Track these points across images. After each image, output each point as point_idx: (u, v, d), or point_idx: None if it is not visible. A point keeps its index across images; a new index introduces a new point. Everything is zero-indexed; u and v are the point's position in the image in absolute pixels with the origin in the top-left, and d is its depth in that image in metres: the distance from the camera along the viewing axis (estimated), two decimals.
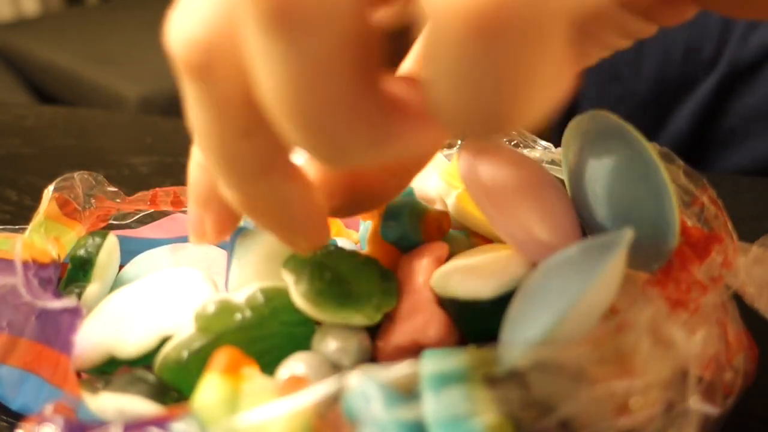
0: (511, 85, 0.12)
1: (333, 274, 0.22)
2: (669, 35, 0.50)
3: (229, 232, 0.22)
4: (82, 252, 0.26)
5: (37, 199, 0.26)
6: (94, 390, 0.20)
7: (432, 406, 0.17)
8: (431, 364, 0.17)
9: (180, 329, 0.22)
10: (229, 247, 0.25)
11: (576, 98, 0.54)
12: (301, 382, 0.19)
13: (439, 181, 0.26)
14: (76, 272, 0.26)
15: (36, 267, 0.24)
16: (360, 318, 0.22)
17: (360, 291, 0.22)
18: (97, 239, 0.26)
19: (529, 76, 0.12)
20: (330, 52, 0.13)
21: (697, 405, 0.18)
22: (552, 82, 0.13)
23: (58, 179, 0.27)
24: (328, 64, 0.13)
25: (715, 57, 0.48)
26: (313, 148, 0.15)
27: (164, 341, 0.22)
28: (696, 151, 0.52)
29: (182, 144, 0.49)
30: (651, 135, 0.52)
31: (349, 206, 0.22)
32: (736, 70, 0.48)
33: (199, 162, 0.20)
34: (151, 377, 0.20)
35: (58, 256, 0.26)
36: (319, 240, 0.20)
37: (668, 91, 0.51)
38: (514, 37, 0.11)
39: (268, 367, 0.21)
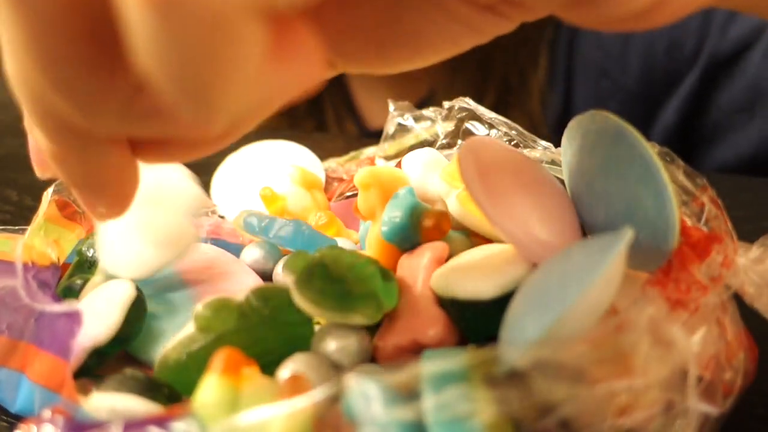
0: (203, 64, 0.13)
1: (333, 274, 0.22)
2: (651, 30, 0.50)
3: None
4: (89, 247, 0.26)
5: (38, 199, 0.26)
6: (86, 392, 0.20)
7: (432, 406, 0.17)
8: (431, 364, 0.17)
9: (98, 337, 0.22)
10: None
11: (568, 95, 0.54)
12: (301, 382, 0.19)
13: (439, 181, 0.26)
14: (82, 265, 0.26)
15: (35, 269, 0.24)
16: (360, 318, 0.22)
17: (360, 291, 0.22)
18: None
19: (220, 57, 0.13)
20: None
21: (697, 405, 0.18)
22: (257, 68, 0.13)
23: (58, 181, 0.27)
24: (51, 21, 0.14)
25: (696, 51, 0.49)
26: (60, 101, 0.15)
27: (94, 353, 0.22)
28: (684, 146, 0.52)
29: None
30: (643, 130, 0.52)
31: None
32: (716, 62, 0.48)
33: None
34: (141, 375, 0.20)
35: (58, 258, 0.26)
36: (119, 210, 0.19)
37: (654, 86, 0.51)
38: (190, 17, 0.12)
39: (268, 367, 0.21)
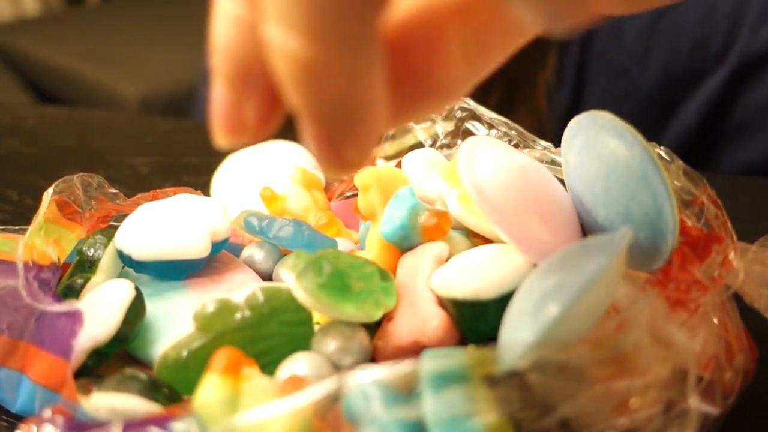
0: None
1: (333, 269, 0.22)
2: (676, 29, 0.50)
3: (275, 125, 0.15)
4: (89, 247, 0.26)
5: (38, 199, 0.26)
6: (86, 391, 0.20)
7: (432, 406, 0.17)
8: (431, 364, 0.17)
9: (98, 337, 0.22)
10: None
11: (577, 93, 0.54)
12: (301, 382, 0.19)
13: (439, 181, 0.26)
14: (82, 264, 0.26)
15: (36, 269, 0.24)
16: (360, 314, 0.22)
17: (360, 288, 0.22)
18: (105, 237, 0.26)
19: None
20: None
21: (697, 405, 0.18)
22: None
23: (58, 181, 0.27)
24: None
25: (723, 51, 0.48)
26: None
27: (94, 353, 0.22)
28: (704, 146, 0.52)
29: (182, 144, 0.49)
30: (657, 130, 0.52)
31: (414, 98, 0.16)
32: (747, 63, 0.48)
33: (234, 15, 0.14)
34: (142, 375, 0.20)
35: (58, 258, 0.26)
36: (366, 154, 0.15)
37: (675, 85, 0.51)
38: None
39: (268, 367, 0.21)
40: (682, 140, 0.51)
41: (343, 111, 0.14)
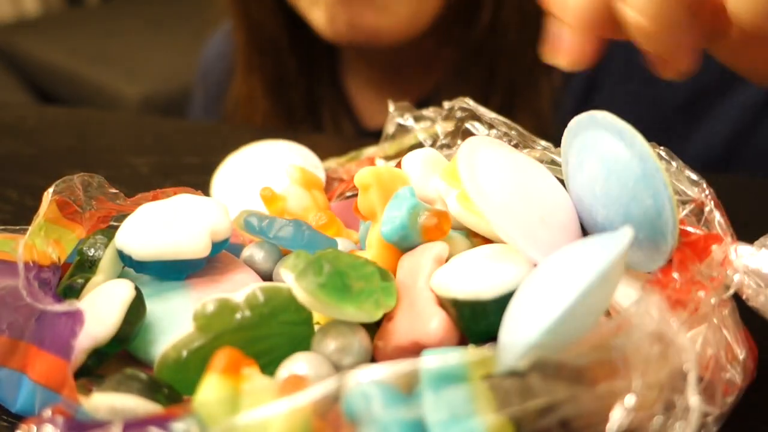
0: None
1: (333, 269, 0.22)
2: None
3: (598, 55, 0.25)
4: (90, 247, 0.26)
5: (38, 199, 0.26)
6: (86, 391, 0.20)
7: (432, 405, 0.17)
8: (431, 363, 0.17)
9: (98, 336, 0.22)
10: None
11: (588, 98, 0.53)
12: (301, 382, 0.19)
13: (439, 181, 0.26)
14: (82, 264, 0.26)
15: (36, 269, 0.24)
16: (360, 314, 0.22)
17: (360, 288, 0.22)
18: (106, 237, 0.27)
19: None
20: None
21: (697, 405, 0.18)
22: None
23: (58, 181, 0.27)
24: None
25: None
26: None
27: (94, 353, 0.22)
28: (737, 156, 0.50)
29: (182, 144, 0.49)
30: (684, 140, 0.50)
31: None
32: None
33: None
34: (142, 375, 0.20)
35: (59, 258, 0.26)
36: (689, 64, 0.25)
37: (706, 95, 0.50)
38: None
39: (268, 367, 0.21)
40: (711, 150, 0.49)
41: (669, 49, 0.23)
